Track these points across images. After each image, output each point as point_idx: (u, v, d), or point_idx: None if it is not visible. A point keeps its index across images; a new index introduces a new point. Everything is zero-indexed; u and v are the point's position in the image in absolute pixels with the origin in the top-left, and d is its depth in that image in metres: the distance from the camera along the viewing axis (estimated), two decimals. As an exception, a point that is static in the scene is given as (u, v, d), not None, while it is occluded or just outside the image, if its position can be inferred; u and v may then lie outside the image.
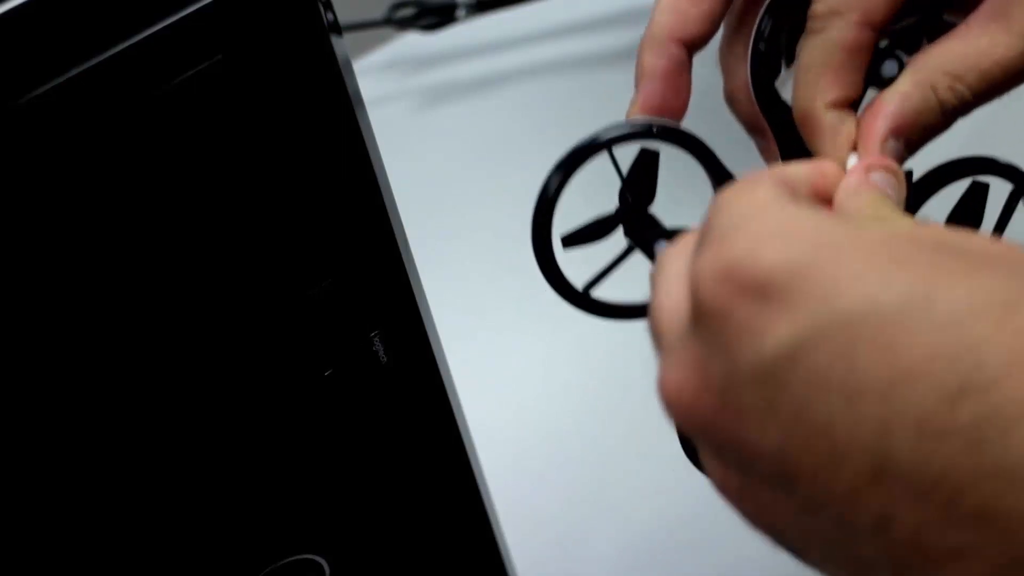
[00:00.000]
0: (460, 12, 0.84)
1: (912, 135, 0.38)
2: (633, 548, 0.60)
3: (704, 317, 0.30)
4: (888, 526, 0.27)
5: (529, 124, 0.82)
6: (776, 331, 0.28)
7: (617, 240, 0.41)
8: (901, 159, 0.38)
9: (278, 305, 0.40)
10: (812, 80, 0.39)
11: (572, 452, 0.65)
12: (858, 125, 0.39)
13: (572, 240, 0.40)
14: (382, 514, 0.46)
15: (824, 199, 0.36)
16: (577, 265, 0.41)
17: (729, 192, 0.33)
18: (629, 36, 0.84)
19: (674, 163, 0.40)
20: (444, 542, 0.48)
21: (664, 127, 0.39)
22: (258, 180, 0.38)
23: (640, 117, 0.40)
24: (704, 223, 0.33)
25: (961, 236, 0.29)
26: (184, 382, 0.39)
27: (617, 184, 0.40)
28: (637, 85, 0.41)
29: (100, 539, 0.40)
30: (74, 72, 0.34)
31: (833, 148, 0.39)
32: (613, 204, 0.40)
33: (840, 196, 0.36)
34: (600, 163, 0.39)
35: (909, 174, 0.39)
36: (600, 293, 0.41)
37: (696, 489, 0.61)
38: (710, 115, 0.43)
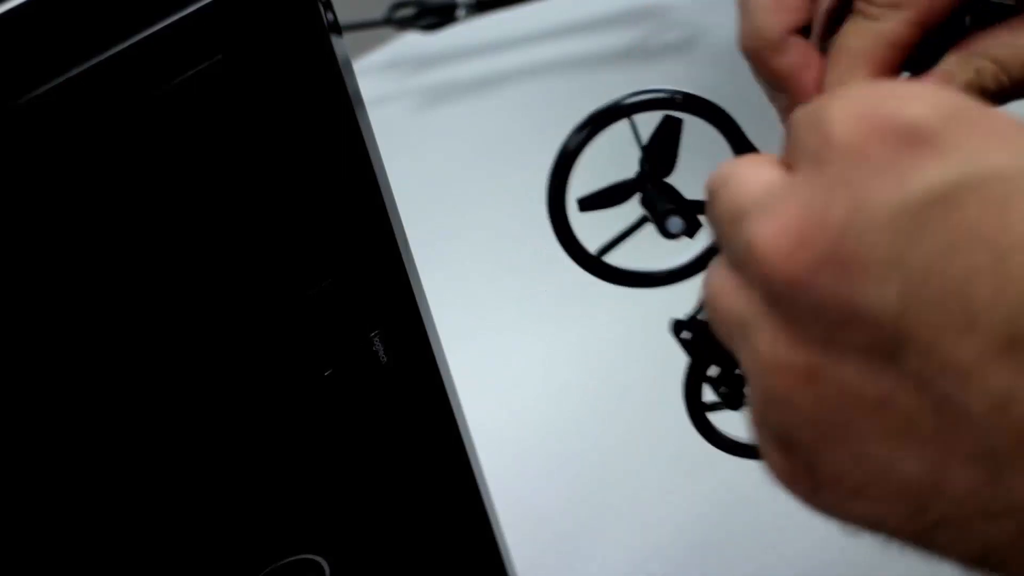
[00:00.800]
0: (460, 12, 0.84)
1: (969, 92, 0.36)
2: (633, 548, 0.60)
3: (833, 155, 0.28)
4: (1006, 409, 0.25)
5: (529, 124, 0.82)
6: (925, 174, 0.26)
7: (636, 207, 0.40)
8: None
9: (278, 305, 0.40)
10: (850, 66, 0.38)
11: (572, 452, 0.65)
12: None
13: (588, 203, 0.40)
14: (382, 514, 0.46)
15: None
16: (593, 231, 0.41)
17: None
18: (629, 36, 0.84)
19: (698, 139, 0.40)
20: (444, 542, 0.48)
21: (688, 96, 0.39)
22: (258, 180, 0.38)
23: (664, 86, 0.39)
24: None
25: None
26: (184, 382, 0.39)
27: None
28: (786, 88, 0.40)
29: (101, 539, 0.40)
30: (74, 72, 0.33)
31: None
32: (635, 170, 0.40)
33: None
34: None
35: None
36: (614, 261, 0.41)
37: (696, 490, 0.62)
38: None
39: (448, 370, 0.45)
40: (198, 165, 0.36)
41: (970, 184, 0.26)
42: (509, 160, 0.80)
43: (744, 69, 0.43)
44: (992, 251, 0.25)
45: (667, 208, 0.39)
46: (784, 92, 0.41)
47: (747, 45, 0.41)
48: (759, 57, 0.41)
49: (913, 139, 0.27)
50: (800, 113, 0.30)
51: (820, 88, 0.40)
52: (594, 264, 0.41)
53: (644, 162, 0.39)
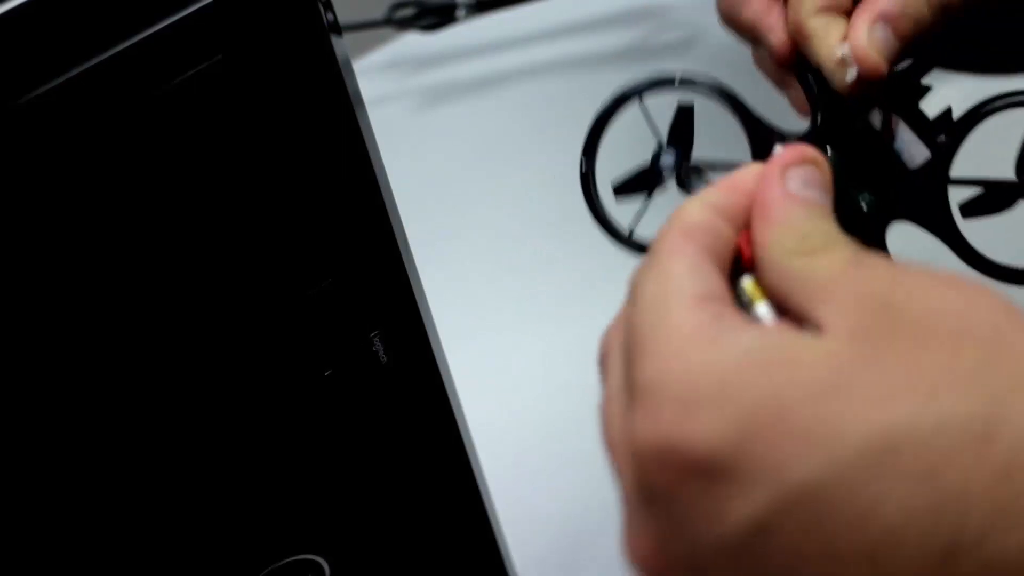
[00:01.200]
0: (460, 12, 0.84)
1: (900, 24, 0.39)
2: (633, 548, 0.60)
3: (655, 498, 0.28)
4: None
5: (529, 124, 0.82)
6: (735, 512, 0.27)
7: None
8: (891, 51, 0.39)
9: (278, 305, 0.40)
10: None
11: (572, 452, 0.65)
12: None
13: (624, 190, 0.43)
14: (382, 514, 0.46)
15: (747, 216, 0.33)
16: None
17: (646, 296, 0.31)
18: (629, 36, 0.84)
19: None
20: (444, 542, 0.48)
21: (685, 77, 0.41)
22: (258, 180, 0.38)
23: (666, 69, 0.42)
24: (627, 323, 0.31)
25: (913, 295, 0.27)
26: (184, 382, 0.39)
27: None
28: (758, 35, 0.43)
29: (101, 539, 0.40)
30: (74, 72, 0.34)
31: (823, 48, 0.40)
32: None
33: (754, 231, 0.32)
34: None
35: (948, 112, 0.40)
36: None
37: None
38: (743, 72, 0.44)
39: (448, 370, 0.45)
40: (198, 165, 0.36)
41: (782, 511, 0.26)
42: (509, 160, 0.80)
43: (744, 69, 0.43)
44: (825, 567, 0.26)
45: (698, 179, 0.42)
46: (757, 41, 0.43)
47: (720, 6, 0.45)
48: (730, 15, 0.44)
49: (711, 475, 0.27)
50: (613, 431, 0.31)
51: (786, 28, 0.42)
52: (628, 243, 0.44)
53: (668, 147, 0.42)
